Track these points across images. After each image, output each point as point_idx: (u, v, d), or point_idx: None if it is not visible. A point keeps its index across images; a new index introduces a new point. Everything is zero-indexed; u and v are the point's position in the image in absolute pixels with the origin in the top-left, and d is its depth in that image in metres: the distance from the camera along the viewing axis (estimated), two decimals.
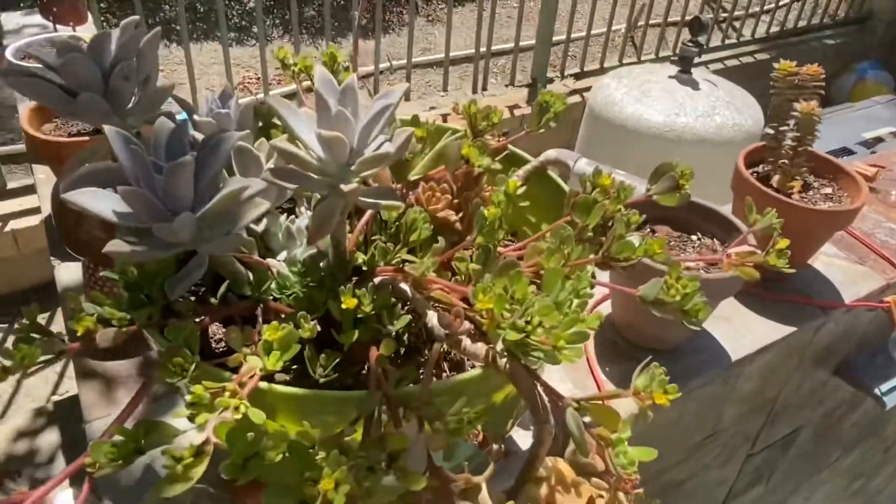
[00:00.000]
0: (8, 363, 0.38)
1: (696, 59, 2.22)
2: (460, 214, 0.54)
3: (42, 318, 2.14)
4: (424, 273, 0.46)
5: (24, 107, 0.86)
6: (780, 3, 3.83)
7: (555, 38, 3.00)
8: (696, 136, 2.15)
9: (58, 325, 2.10)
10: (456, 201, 0.53)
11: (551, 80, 3.13)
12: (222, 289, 0.50)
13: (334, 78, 0.44)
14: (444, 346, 0.44)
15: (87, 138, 0.82)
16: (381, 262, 0.50)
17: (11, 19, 1.41)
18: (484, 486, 0.41)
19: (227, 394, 0.37)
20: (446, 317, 0.42)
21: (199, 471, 0.34)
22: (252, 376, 0.40)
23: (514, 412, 0.52)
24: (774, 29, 3.83)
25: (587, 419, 0.41)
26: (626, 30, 3.38)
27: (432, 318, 0.46)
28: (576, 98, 3.03)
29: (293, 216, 0.55)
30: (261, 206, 0.47)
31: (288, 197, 0.54)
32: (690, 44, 2.18)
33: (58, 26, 1.18)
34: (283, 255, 0.53)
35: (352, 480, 0.31)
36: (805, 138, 0.89)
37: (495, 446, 0.43)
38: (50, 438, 1.67)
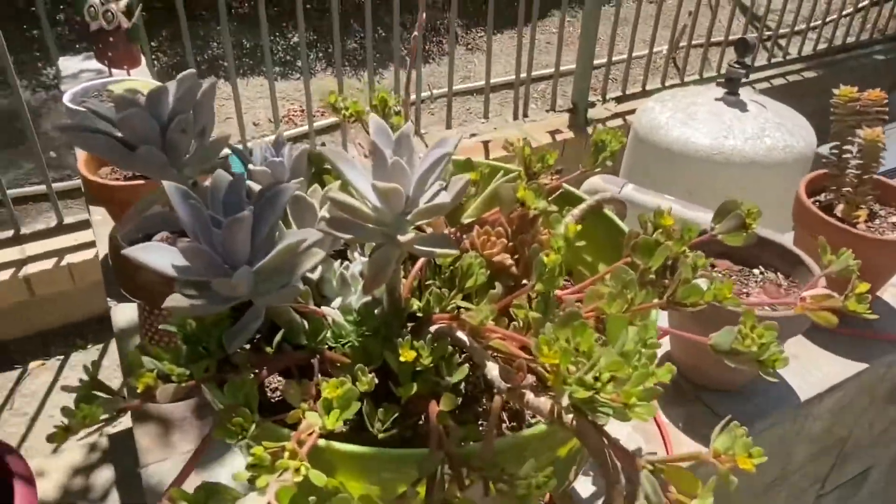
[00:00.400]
0: (67, 421, 0.37)
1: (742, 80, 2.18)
2: (516, 258, 0.53)
3: (96, 349, 2.19)
4: (483, 322, 0.45)
5: (82, 151, 0.88)
6: (827, 20, 3.75)
7: (595, 62, 2.98)
8: (746, 159, 2.09)
9: (109, 359, 2.15)
10: (511, 244, 0.52)
11: (593, 105, 3.11)
12: (277, 338, 0.49)
13: (386, 122, 0.44)
14: (505, 398, 0.42)
15: (142, 181, 0.83)
16: (436, 309, 0.49)
17: (69, 64, 1.46)
18: None
19: (286, 454, 0.36)
20: (509, 370, 0.41)
21: None
22: (311, 434, 0.39)
23: (577, 463, 0.50)
24: (821, 46, 3.74)
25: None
26: (667, 51, 3.35)
27: (492, 369, 0.44)
28: (618, 121, 3.00)
29: (346, 262, 0.54)
30: (316, 255, 0.46)
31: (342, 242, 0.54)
32: (737, 65, 2.14)
33: (113, 70, 1.22)
34: (337, 301, 0.52)
35: None
36: (869, 165, 0.85)
37: None
38: (104, 474, 1.69)
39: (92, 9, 1.20)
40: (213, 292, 0.43)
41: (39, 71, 3.11)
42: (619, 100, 3.22)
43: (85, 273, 2.16)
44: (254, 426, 0.37)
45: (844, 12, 3.82)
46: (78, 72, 1.37)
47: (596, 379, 0.36)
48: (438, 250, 0.42)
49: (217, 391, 0.43)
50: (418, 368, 0.43)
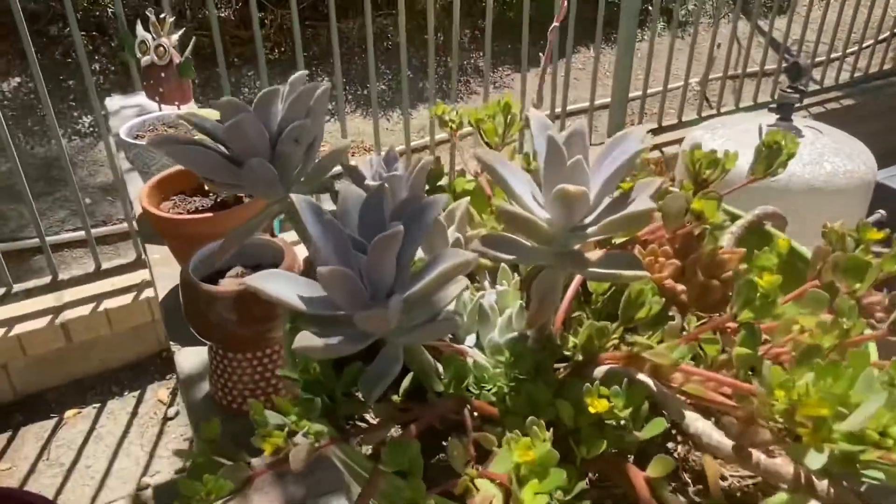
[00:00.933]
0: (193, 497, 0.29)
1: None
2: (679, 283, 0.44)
3: (132, 396, 2.12)
4: (678, 361, 0.36)
5: (143, 186, 0.82)
6: (864, 46, 3.68)
7: (630, 94, 2.93)
8: (806, 185, 2.00)
9: (146, 407, 2.07)
10: (679, 265, 0.44)
11: None
12: (405, 384, 0.41)
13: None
14: (720, 460, 0.34)
15: (210, 215, 0.77)
16: (597, 347, 0.41)
17: (114, 102, 1.43)
18: None
19: None
20: (735, 424, 0.32)
21: None
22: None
23: None
24: (857, 74, 3.66)
25: None
26: (701, 82, 3.29)
27: (694, 420, 0.36)
28: (655, 153, 2.93)
29: (477, 292, 0.46)
30: (461, 283, 0.38)
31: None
32: (790, 90, 2.06)
33: (163, 106, 1.17)
34: (470, 339, 0.44)
35: None
36: None
37: None
38: None
39: (144, 44, 1.16)
40: (348, 328, 0.35)
41: (76, 120, 3.12)
42: (654, 132, 3.15)
43: (122, 319, 2.11)
44: (430, 502, 0.29)
45: (880, 37, 3.76)
46: (123, 108, 1.33)
47: (882, 434, 0.28)
48: (626, 272, 0.34)
49: (354, 453, 0.34)
50: (606, 421, 0.34)
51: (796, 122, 2.20)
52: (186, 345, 0.77)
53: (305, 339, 0.33)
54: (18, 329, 1.96)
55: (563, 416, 0.35)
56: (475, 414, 0.38)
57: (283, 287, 0.34)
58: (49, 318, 2.00)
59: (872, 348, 0.40)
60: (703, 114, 3.28)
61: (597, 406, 0.33)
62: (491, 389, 0.40)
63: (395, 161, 0.47)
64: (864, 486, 0.32)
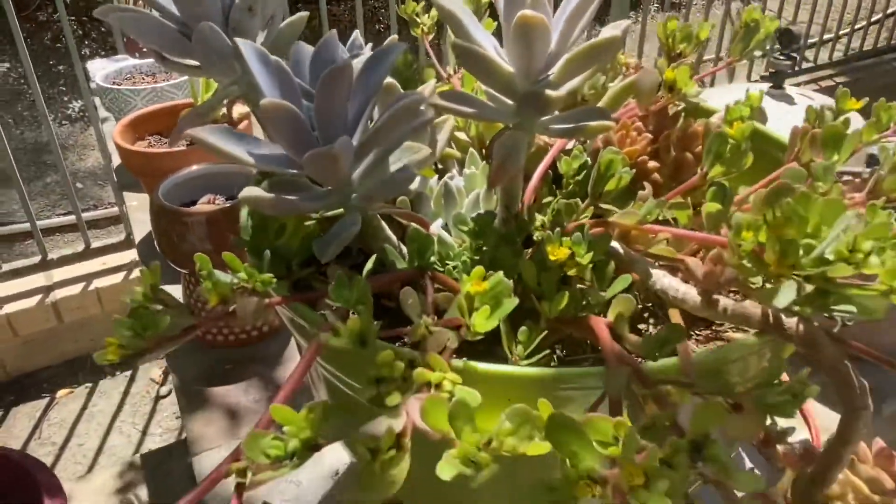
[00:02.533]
0: (129, 334, 0.28)
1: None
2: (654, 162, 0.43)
3: (124, 377, 2.10)
4: (644, 219, 0.34)
5: (117, 125, 0.80)
6: (856, 28, 3.66)
7: None
8: None
9: (138, 386, 2.06)
10: (653, 146, 0.42)
11: None
12: (370, 263, 0.39)
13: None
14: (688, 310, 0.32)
15: (183, 149, 0.75)
16: (566, 224, 0.39)
17: (95, 65, 1.42)
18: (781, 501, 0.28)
19: (423, 366, 0.26)
20: (701, 266, 0.30)
21: (401, 470, 0.23)
22: (442, 352, 0.29)
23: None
24: (850, 52, 3.65)
25: None
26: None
27: (661, 277, 0.34)
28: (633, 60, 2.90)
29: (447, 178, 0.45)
30: (421, 151, 0.36)
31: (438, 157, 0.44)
32: (782, 57, 2.05)
33: (138, 58, 1.16)
34: (437, 223, 0.42)
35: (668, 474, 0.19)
36: None
37: (781, 448, 0.30)
38: (138, 493, 1.59)
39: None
40: (302, 187, 0.33)
41: (66, 105, 3.11)
42: None
43: (113, 298, 2.09)
44: (376, 328, 0.27)
45: (873, 18, 3.74)
46: (104, 69, 1.31)
47: (851, 251, 0.26)
48: (591, 123, 0.32)
49: (307, 310, 0.33)
50: (569, 273, 0.33)
51: (788, 91, 2.18)
52: (163, 283, 0.75)
53: (254, 191, 0.32)
54: (8, 309, 1.94)
55: (526, 275, 0.33)
56: (437, 287, 0.37)
57: (230, 142, 0.32)
58: (39, 297, 1.98)
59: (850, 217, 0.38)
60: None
61: (557, 254, 0.32)
62: (455, 266, 0.39)
63: (359, 48, 0.46)
64: (836, 327, 0.30)
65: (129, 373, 2.11)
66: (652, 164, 0.41)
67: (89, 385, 2.06)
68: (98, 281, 2.05)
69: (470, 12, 0.33)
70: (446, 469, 0.22)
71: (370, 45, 0.45)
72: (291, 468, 0.24)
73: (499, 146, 0.34)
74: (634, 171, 0.39)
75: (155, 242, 0.65)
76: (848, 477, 0.33)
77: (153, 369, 2.11)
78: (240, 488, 0.26)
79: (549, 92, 0.31)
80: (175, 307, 0.29)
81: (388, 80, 0.39)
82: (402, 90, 0.36)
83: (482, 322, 0.27)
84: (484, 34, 0.34)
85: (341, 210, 0.36)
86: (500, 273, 0.27)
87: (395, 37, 0.32)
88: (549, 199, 0.43)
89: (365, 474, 0.23)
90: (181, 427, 1.93)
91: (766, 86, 2.14)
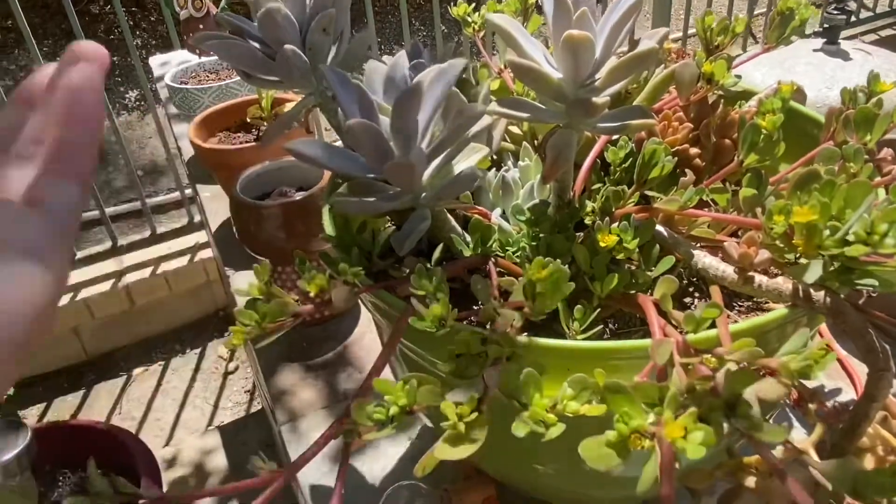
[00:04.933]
0: (248, 323, 0.33)
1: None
2: (698, 149, 0.46)
3: (194, 354, 2.23)
4: (686, 205, 0.38)
5: (191, 123, 0.87)
6: None
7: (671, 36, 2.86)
8: None
9: (207, 362, 2.18)
10: (694, 133, 0.45)
11: None
12: (437, 253, 0.44)
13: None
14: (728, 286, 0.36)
15: (253, 144, 0.81)
16: (614, 210, 0.43)
17: (157, 60, 1.49)
18: (813, 453, 0.32)
19: (494, 345, 0.31)
20: (737, 247, 0.34)
21: (482, 431, 0.28)
22: (510, 330, 0.33)
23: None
24: None
25: None
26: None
27: (701, 257, 0.38)
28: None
29: (503, 171, 0.49)
30: (480, 150, 0.41)
31: (494, 151, 0.48)
32: (836, 11, 1.99)
33: (202, 57, 1.22)
34: (495, 213, 0.47)
35: (704, 427, 0.24)
36: None
37: (813, 405, 0.34)
38: (216, 463, 1.70)
39: None
40: (380, 190, 0.38)
41: (122, 95, 3.24)
42: None
43: (180, 280, 2.20)
44: (453, 312, 0.32)
45: None
46: (165, 63, 1.38)
47: (869, 233, 0.30)
48: (634, 122, 0.36)
49: (393, 297, 0.38)
50: (618, 257, 0.37)
51: (844, 46, 2.12)
52: (240, 269, 0.82)
53: (341, 197, 0.37)
54: (85, 293, 2.07)
55: (579, 259, 0.38)
56: (499, 271, 0.41)
57: (319, 151, 0.37)
58: (112, 282, 2.11)
59: (881, 194, 0.41)
60: (749, 49, 3.18)
61: (606, 241, 0.36)
62: (515, 252, 0.43)
63: (419, 54, 0.50)
64: (863, 298, 0.34)
65: (198, 350, 2.23)
66: (693, 151, 0.45)
67: (162, 363, 2.19)
68: (165, 265, 2.17)
69: (519, 26, 0.37)
70: (520, 428, 0.27)
71: (426, 49, 0.50)
72: (391, 430, 0.29)
73: (551, 145, 0.38)
74: (676, 158, 0.43)
75: (235, 232, 0.72)
76: (878, 431, 0.36)
77: (220, 347, 2.23)
78: (347, 448, 0.32)
79: (595, 99, 0.35)
80: (283, 298, 0.35)
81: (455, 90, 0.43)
82: (461, 95, 0.40)
83: (544, 305, 0.32)
84: (533, 45, 0.38)
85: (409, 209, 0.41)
86: (558, 261, 0.31)
87: (460, 60, 0.36)
88: (598, 186, 0.47)
89: (450, 436, 0.28)
90: (250, 400, 2.05)
91: (819, 42, 2.09)
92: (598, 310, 0.37)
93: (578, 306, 0.37)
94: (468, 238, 0.44)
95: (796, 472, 0.32)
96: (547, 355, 0.34)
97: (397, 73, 0.38)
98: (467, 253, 0.43)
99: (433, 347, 0.36)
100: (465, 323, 0.35)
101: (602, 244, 0.36)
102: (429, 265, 0.35)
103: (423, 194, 0.39)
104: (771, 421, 0.42)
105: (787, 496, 0.28)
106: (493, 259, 0.41)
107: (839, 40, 2.10)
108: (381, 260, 0.41)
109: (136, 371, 2.17)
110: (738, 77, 0.43)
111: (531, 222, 0.42)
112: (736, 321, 0.41)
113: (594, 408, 0.27)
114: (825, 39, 2.08)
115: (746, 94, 0.53)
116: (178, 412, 2.09)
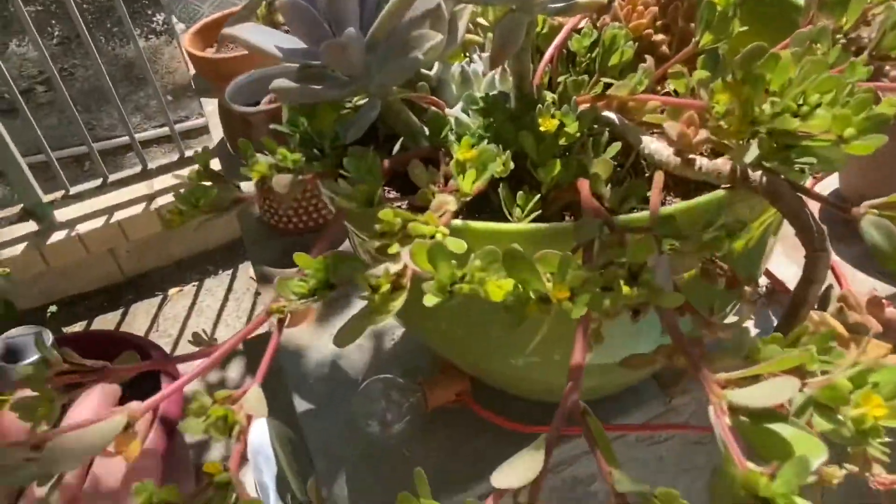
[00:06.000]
0: (183, 208, 0.34)
1: None
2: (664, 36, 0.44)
3: (226, 275, 2.29)
4: (635, 90, 0.37)
5: (186, 34, 0.87)
6: None
7: None
8: None
9: (239, 283, 2.24)
10: (664, 21, 0.43)
11: None
12: (397, 146, 0.44)
13: None
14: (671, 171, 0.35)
15: (245, 52, 0.81)
16: (574, 100, 0.42)
17: None
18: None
19: (419, 222, 0.31)
20: (677, 127, 0.33)
21: (397, 304, 0.29)
22: (443, 213, 0.34)
23: (765, 251, 0.42)
24: None
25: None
26: None
27: (649, 143, 0.37)
28: None
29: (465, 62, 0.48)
30: (433, 38, 0.40)
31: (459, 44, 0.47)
32: None
33: None
34: (458, 106, 0.46)
35: (592, 290, 0.24)
36: None
37: (748, 288, 0.34)
38: (241, 372, 1.79)
39: None
40: (324, 77, 0.38)
41: (149, 18, 3.23)
42: None
43: None
44: (378, 192, 0.32)
45: None
46: None
47: (800, 105, 0.28)
48: (581, 0, 0.35)
49: (332, 182, 0.38)
50: (562, 143, 0.37)
51: None
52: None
53: (280, 83, 0.37)
54: (118, 216, 2.14)
55: (526, 146, 0.37)
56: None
57: (261, 37, 0.37)
58: (144, 205, 2.16)
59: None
60: None
61: (547, 125, 0.35)
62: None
63: None
64: (803, 178, 0.33)
65: (230, 272, 2.30)
66: (658, 37, 0.43)
67: (196, 284, 2.27)
68: None
69: None
70: (430, 299, 0.28)
71: None
72: (314, 302, 0.30)
73: (499, 28, 0.37)
74: (638, 44, 0.41)
75: (226, 140, 0.72)
76: (824, 318, 0.36)
77: (251, 269, 2.30)
78: (280, 323, 0.33)
79: None
80: (223, 183, 0.36)
81: None
82: None
83: (468, 184, 0.32)
84: None
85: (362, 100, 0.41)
86: (486, 143, 0.31)
87: None
88: (564, 77, 0.45)
89: (368, 307, 0.29)
90: None
91: None
92: (541, 198, 0.37)
93: (520, 192, 0.37)
94: (427, 131, 0.44)
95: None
96: (481, 239, 0.34)
97: None
98: (424, 144, 0.43)
99: (367, 229, 0.37)
100: (402, 207, 0.35)
101: (543, 128, 0.36)
102: (366, 150, 0.35)
103: (371, 84, 0.39)
104: (730, 315, 0.42)
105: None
106: (444, 150, 0.40)
107: None
108: (332, 151, 0.41)
109: (172, 291, 2.25)
110: None
111: (483, 112, 0.41)
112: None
113: (499, 281, 0.27)
114: None
115: None
116: (212, 330, 2.17)
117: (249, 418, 0.28)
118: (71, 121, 2.09)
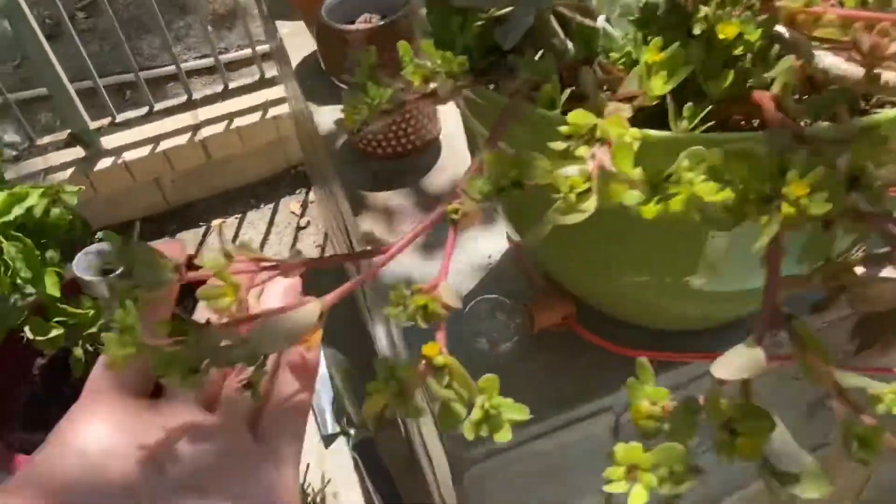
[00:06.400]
0: (361, 108, 0.34)
1: None
2: None
3: (268, 208, 2.31)
4: (810, 2, 0.36)
5: None
6: None
7: None
8: None
9: (280, 216, 2.26)
10: None
11: None
12: (538, 56, 0.43)
13: None
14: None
15: None
16: (730, 14, 0.41)
17: None
18: None
19: (602, 124, 0.30)
20: (867, 39, 0.32)
21: (590, 204, 0.29)
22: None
23: None
24: None
25: None
26: None
27: (823, 58, 0.36)
28: None
29: None
30: None
31: None
32: None
33: None
34: (601, 18, 0.45)
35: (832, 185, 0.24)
36: None
37: None
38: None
39: None
40: None
41: None
42: None
43: (252, 136, 2.24)
44: (563, 98, 0.32)
45: None
46: None
47: None
48: None
49: (490, 93, 0.38)
50: (736, 53, 0.36)
51: None
52: (322, 104, 0.83)
53: None
54: (164, 146, 2.14)
55: (692, 57, 0.36)
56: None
57: None
58: (188, 135, 2.17)
59: None
60: None
61: (726, 32, 0.34)
62: (620, 59, 0.42)
63: None
64: None
65: (271, 206, 2.32)
66: None
67: (238, 216, 2.29)
68: (238, 120, 2.21)
69: None
70: (629, 198, 0.28)
71: None
72: (496, 202, 0.30)
73: None
74: None
75: (320, 60, 0.72)
76: None
77: (292, 203, 2.31)
78: (454, 223, 0.33)
79: None
80: (392, 84, 0.35)
81: None
82: None
83: (660, 86, 0.31)
84: None
85: (509, 9, 0.40)
86: (676, 44, 0.30)
87: None
88: None
89: (560, 207, 0.29)
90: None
91: None
92: (710, 110, 0.36)
93: (688, 105, 0.36)
94: (570, 46, 0.43)
95: None
96: (656, 149, 0.33)
97: None
98: (570, 57, 0.42)
99: (534, 142, 0.36)
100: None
101: (721, 35, 0.34)
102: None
103: None
104: None
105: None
106: (597, 62, 0.40)
107: None
108: (483, 59, 0.41)
109: (215, 222, 2.28)
110: None
111: (640, 23, 0.40)
112: None
113: (708, 184, 0.26)
114: None
115: None
116: (264, 236, 2.21)
117: (448, 307, 0.28)
118: (114, 47, 2.08)
